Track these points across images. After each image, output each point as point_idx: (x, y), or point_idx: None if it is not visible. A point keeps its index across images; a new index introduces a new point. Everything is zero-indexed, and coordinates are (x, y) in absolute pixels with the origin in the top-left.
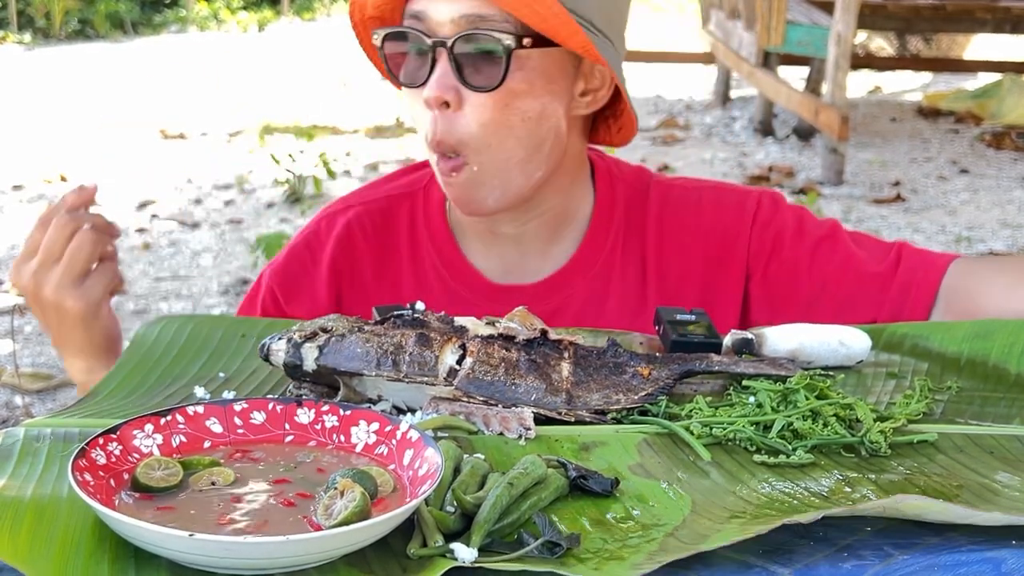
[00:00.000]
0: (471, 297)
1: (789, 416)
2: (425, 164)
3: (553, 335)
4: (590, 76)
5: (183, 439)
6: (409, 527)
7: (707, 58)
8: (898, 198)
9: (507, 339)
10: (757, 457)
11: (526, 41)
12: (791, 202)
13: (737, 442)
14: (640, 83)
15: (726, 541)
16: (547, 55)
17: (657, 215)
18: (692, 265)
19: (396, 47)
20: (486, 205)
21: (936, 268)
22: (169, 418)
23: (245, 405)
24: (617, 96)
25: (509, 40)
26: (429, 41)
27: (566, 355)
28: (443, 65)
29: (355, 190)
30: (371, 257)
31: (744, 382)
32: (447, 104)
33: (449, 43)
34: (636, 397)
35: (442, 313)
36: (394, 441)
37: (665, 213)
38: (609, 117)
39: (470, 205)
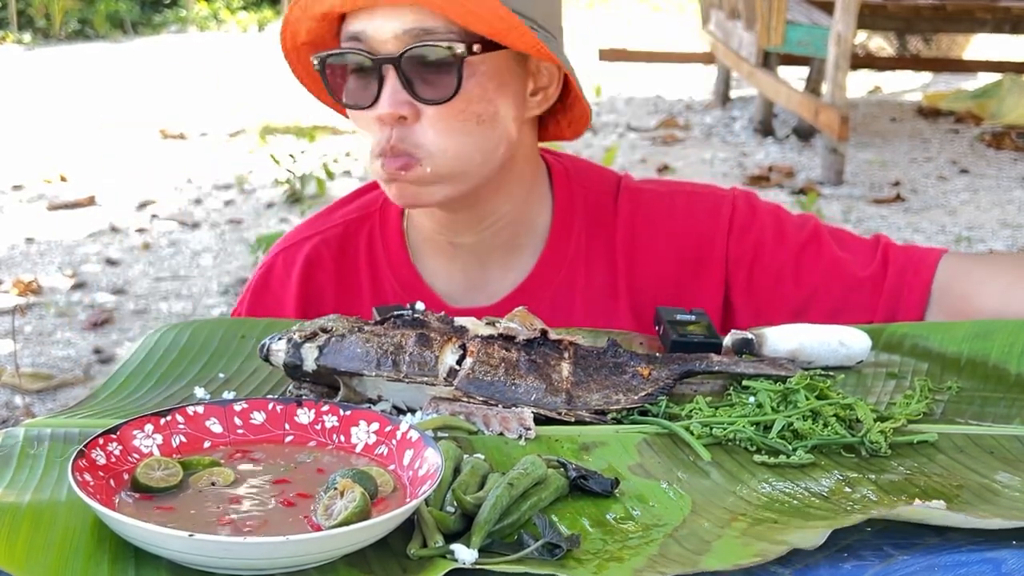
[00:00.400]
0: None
1: (789, 416)
2: (375, 185)
3: (553, 335)
4: (538, 75)
5: (183, 439)
6: (409, 527)
7: (707, 58)
8: (898, 198)
9: (507, 339)
10: (757, 457)
11: (476, 47)
12: (765, 200)
13: (737, 442)
14: (640, 83)
15: (743, 560)
16: (496, 58)
17: (627, 221)
18: (665, 271)
19: (337, 70)
20: (433, 199)
21: (926, 266)
22: (169, 418)
23: (245, 405)
24: (566, 90)
25: (460, 48)
26: (373, 60)
27: (566, 355)
28: (392, 82)
29: (308, 219)
30: (333, 287)
31: (744, 382)
32: (403, 118)
33: (397, 59)
34: (636, 397)
35: (442, 313)
36: (394, 441)
37: (636, 219)
38: (558, 112)
39: (417, 199)
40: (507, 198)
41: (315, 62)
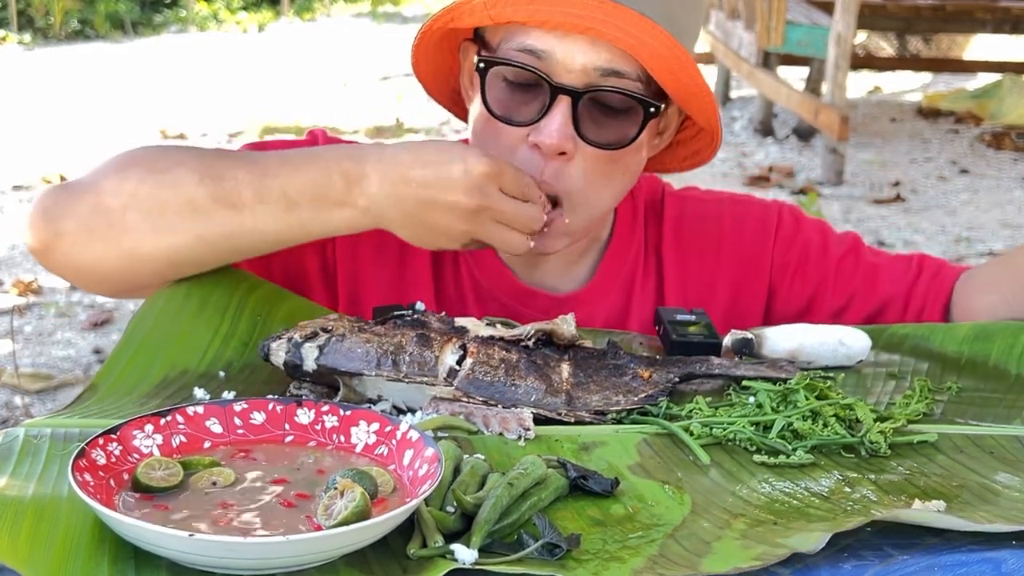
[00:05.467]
0: (496, 292)
1: (789, 416)
2: None
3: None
4: (666, 117)
5: (183, 439)
6: (409, 527)
7: (707, 58)
8: (898, 198)
9: (508, 340)
10: (757, 457)
11: (661, 105)
12: (809, 215)
13: (737, 442)
14: None
15: (742, 564)
16: (661, 118)
17: (674, 230)
18: (716, 283)
19: (498, 75)
20: (554, 249)
21: (949, 276)
22: (169, 418)
23: (245, 405)
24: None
25: (653, 107)
26: (553, 86)
27: (566, 356)
28: (564, 112)
29: None
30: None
31: (744, 382)
32: (563, 153)
33: (581, 93)
34: (636, 399)
35: (442, 314)
36: (394, 441)
37: (683, 229)
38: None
39: (546, 249)
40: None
41: (478, 63)
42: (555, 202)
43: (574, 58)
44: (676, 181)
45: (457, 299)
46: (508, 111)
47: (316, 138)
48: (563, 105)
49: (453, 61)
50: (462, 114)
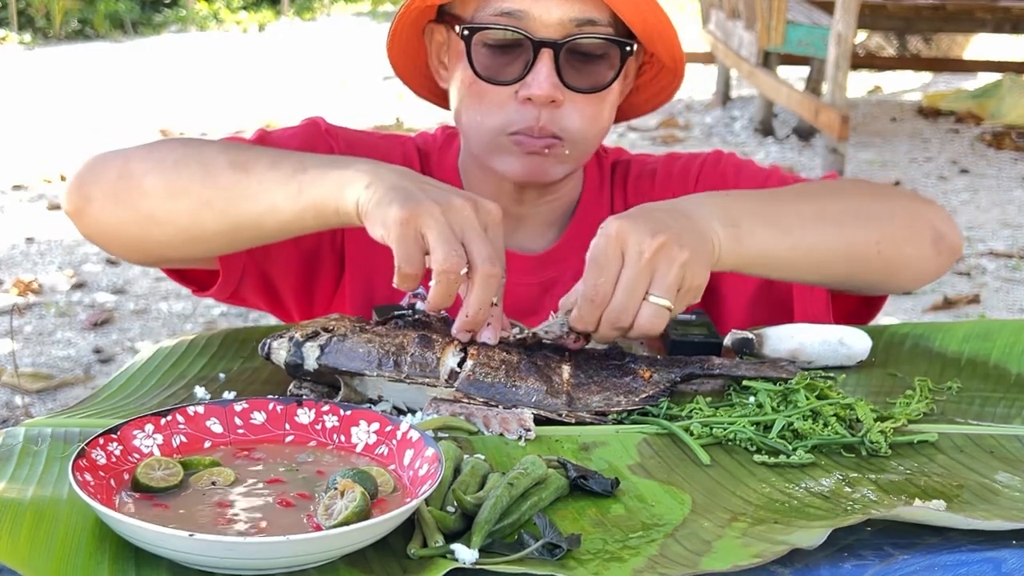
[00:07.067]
0: None
1: (789, 416)
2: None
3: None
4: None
5: (183, 439)
6: (409, 527)
7: (707, 58)
8: None
9: (510, 343)
10: (757, 457)
11: (635, 48)
12: (741, 158)
13: (737, 442)
14: None
15: (741, 561)
16: (637, 55)
17: (624, 193)
18: None
19: (482, 40)
20: (556, 177)
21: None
22: (169, 418)
23: (245, 405)
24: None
25: (628, 47)
26: (534, 42)
27: (567, 357)
28: (548, 65)
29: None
30: None
31: (744, 382)
32: (554, 102)
33: (560, 45)
34: (637, 400)
35: (443, 314)
36: (394, 441)
37: (628, 190)
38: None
39: (544, 176)
40: (577, 177)
41: (462, 31)
42: (556, 137)
43: (550, 13)
44: None
45: None
46: (494, 73)
47: (316, 125)
48: (546, 58)
49: (420, 46)
50: (434, 99)
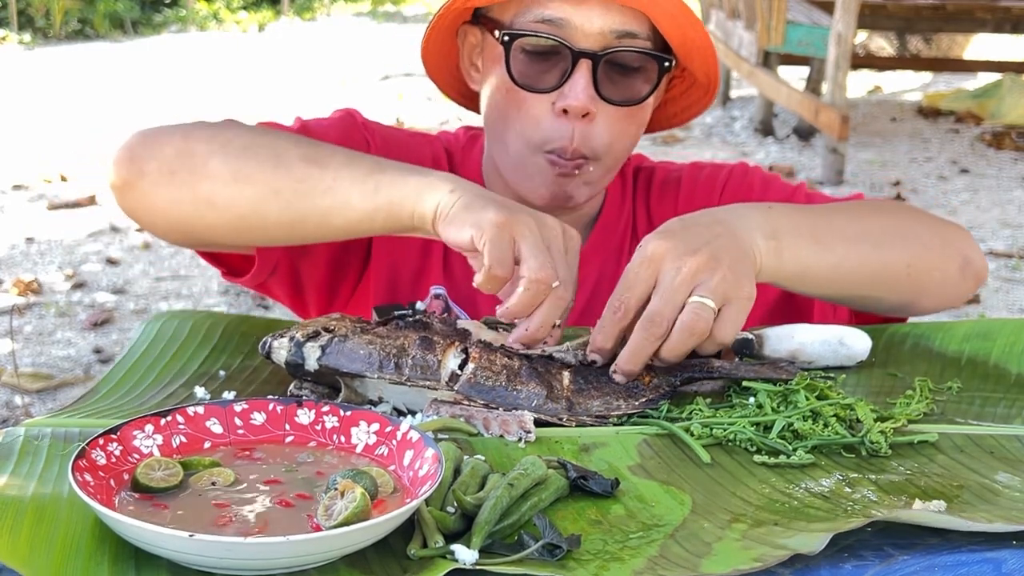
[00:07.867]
0: None
1: (789, 416)
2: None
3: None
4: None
5: (183, 439)
6: (409, 528)
7: None
8: (898, 198)
9: (512, 350)
10: (757, 458)
11: (673, 61)
12: (765, 172)
13: (737, 443)
14: None
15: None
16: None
17: (647, 200)
18: None
19: (521, 46)
20: (576, 200)
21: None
22: (169, 418)
23: (245, 406)
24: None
25: (667, 63)
26: (574, 52)
27: (567, 364)
28: (585, 75)
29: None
30: None
31: (744, 383)
32: (587, 114)
33: (600, 56)
34: (637, 403)
35: (444, 315)
36: (394, 442)
37: (652, 198)
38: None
39: (567, 202)
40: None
41: (502, 37)
42: (584, 158)
43: (592, 23)
44: None
45: (463, 271)
46: (531, 80)
47: (353, 117)
48: (584, 68)
49: (453, 46)
50: (461, 99)
